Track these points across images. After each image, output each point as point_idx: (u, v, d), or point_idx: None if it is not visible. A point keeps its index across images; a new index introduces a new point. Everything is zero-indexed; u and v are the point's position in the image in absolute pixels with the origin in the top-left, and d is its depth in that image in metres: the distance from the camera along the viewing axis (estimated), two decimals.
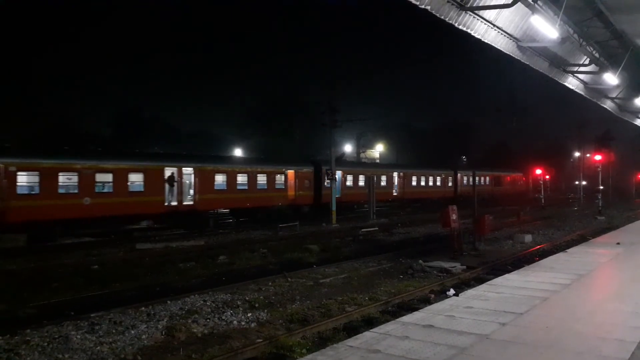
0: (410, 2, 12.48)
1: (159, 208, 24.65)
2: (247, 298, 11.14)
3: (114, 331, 8.86)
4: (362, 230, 25.02)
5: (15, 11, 70.35)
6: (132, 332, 8.83)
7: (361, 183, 36.13)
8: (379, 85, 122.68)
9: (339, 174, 33.58)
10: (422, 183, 43.98)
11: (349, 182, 35.74)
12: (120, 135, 56.37)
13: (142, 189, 23.99)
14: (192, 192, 26.18)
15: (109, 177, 22.92)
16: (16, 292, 12.15)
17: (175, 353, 8.03)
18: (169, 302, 10.68)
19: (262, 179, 29.76)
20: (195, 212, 26.17)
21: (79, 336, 8.54)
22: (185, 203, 25.70)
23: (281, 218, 27.32)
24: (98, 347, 8.12)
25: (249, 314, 9.95)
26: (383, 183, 38.95)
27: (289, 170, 31.52)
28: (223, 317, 9.73)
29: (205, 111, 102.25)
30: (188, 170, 26.12)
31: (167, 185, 24.90)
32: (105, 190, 22.80)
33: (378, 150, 68.91)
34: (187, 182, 26.21)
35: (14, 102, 49.17)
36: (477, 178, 49.23)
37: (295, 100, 64.23)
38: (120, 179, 23.22)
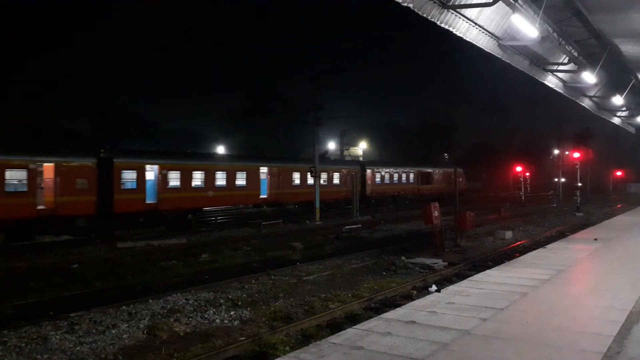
0: None
1: None
2: (230, 296, 11.09)
3: (94, 331, 8.75)
4: (346, 227, 25.08)
5: None
6: (113, 331, 8.74)
7: (197, 182, 26.70)
8: (363, 83, 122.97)
9: (154, 169, 24.87)
10: (309, 182, 32.36)
11: (174, 182, 25.72)
12: (100, 133, 55.56)
13: None
14: None
15: None
16: None
17: (157, 352, 7.96)
18: (150, 301, 10.58)
19: None
20: None
21: (58, 336, 8.42)
22: None
23: (23, 237, 19.82)
24: (78, 347, 8.01)
25: (232, 312, 9.91)
26: (241, 182, 29.15)
27: (46, 164, 21.07)
28: (205, 316, 9.68)
29: (189, 109, 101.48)
30: None
31: None
32: None
33: (361, 147, 69.13)
34: None
35: None
36: (395, 174, 43.94)
37: (279, 97, 64.17)
38: None
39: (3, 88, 51.54)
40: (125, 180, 23.66)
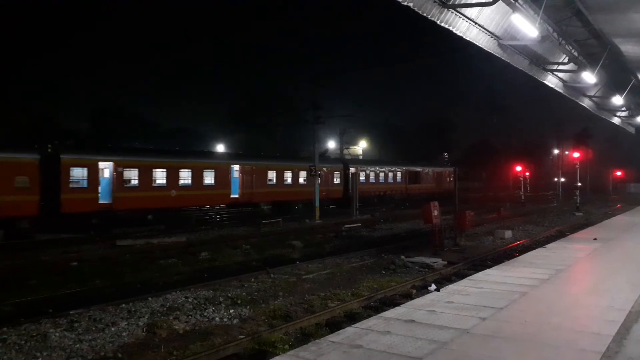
0: None
1: None
2: (229, 294, 11.10)
3: (93, 328, 8.75)
4: (345, 226, 25.08)
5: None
6: (113, 329, 8.73)
7: (158, 181, 25.20)
8: (363, 83, 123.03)
9: (108, 166, 23.37)
10: (289, 181, 32.34)
11: (132, 180, 24.18)
12: (99, 131, 55.62)
13: None
14: None
15: None
16: None
17: (157, 350, 7.96)
18: (150, 299, 10.59)
19: None
20: None
21: (57, 334, 8.41)
22: None
23: None
24: (77, 345, 8.01)
25: (231, 311, 9.91)
26: (209, 180, 27.48)
27: None
28: (205, 314, 9.68)
29: (189, 109, 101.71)
30: None
31: None
32: None
33: (361, 146, 69.18)
34: None
35: None
36: (381, 173, 41.78)
37: (279, 97, 64.24)
38: None
39: (3, 87, 51.51)
40: (74, 178, 21.99)
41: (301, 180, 33.08)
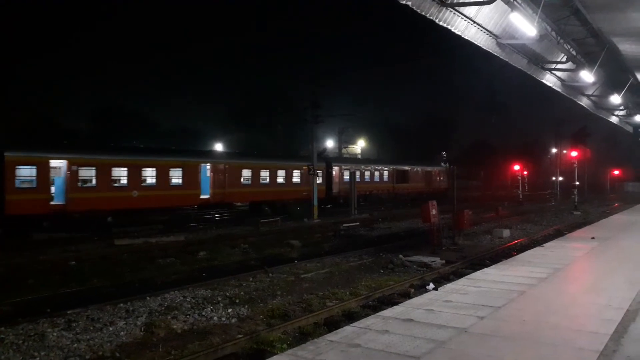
0: None
1: None
2: (227, 294, 11.09)
3: (91, 328, 8.74)
4: (344, 225, 25.07)
5: None
6: (111, 328, 8.72)
7: (118, 180, 23.78)
8: (363, 82, 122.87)
9: (62, 164, 21.91)
10: (266, 180, 31.04)
11: (88, 179, 22.59)
12: (99, 131, 55.60)
13: None
14: None
15: None
16: None
17: (155, 349, 7.95)
18: (148, 298, 10.58)
19: None
20: None
21: (55, 333, 8.40)
22: None
23: None
24: (75, 345, 8.00)
25: (230, 310, 9.90)
26: (177, 180, 25.82)
27: None
28: (203, 313, 9.67)
29: (189, 108, 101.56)
30: None
31: None
32: None
33: (360, 145, 69.16)
34: None
35: None
36: (367, 172, 39.95)
37: (279, 96, 64.27)
38: None
39: (3, 87, 51.43)
40: (21, 177, 20.41)
41: (280, 180, 31.94)
